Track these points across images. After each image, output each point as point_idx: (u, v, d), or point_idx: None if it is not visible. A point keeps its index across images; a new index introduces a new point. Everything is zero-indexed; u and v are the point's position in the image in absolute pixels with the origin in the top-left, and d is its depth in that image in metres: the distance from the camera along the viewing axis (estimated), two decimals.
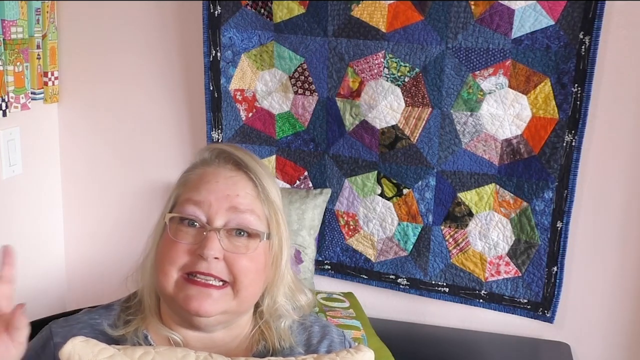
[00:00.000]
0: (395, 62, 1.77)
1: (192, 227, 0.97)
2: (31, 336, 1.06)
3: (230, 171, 1.01)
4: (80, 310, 1.11)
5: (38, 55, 1.98)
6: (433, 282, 1.89)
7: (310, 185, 1.95)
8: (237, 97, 1.93)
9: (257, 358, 0.95)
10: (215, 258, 0.95)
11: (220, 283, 0.96)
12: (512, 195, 1.77)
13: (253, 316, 1.06)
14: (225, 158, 1.03)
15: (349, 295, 1.85)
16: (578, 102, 1.66)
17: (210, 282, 0.95)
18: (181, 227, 0.97)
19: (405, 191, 1.85)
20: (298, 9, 1.81)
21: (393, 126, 1.82)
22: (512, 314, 1.85)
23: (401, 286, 1.92)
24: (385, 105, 1.80)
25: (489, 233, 1.81)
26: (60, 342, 0.97)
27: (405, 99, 1.79)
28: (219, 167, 1.02)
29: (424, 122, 1.79)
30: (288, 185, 1.97)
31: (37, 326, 1.44)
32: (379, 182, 1.87)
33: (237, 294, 0.97)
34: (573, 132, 1.68)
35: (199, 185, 0.99)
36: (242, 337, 1.04)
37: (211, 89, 1.92)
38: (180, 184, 1.03)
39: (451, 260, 1.86)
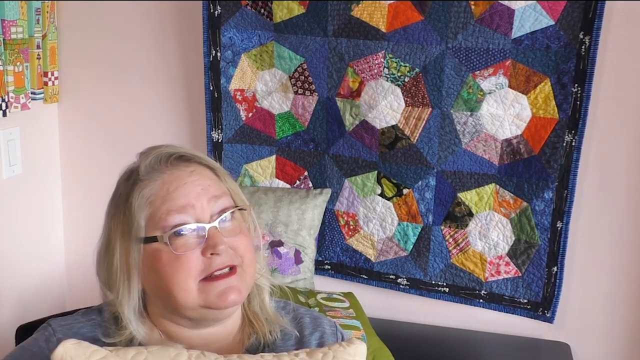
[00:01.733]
0: (395, 62, 1.77)
1: (186, 235, 0.96)
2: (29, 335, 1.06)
3: (186, 168, 1.00)
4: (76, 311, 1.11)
5: (38, 55, 1.98)
6: (433, 282, 1.89)
7: (310, 185, 1.95)
8: (237, 97, 1.93)
9: (250, 354, 0.95)
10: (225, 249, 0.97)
11: (229, 269, 0.97)
12: (512, 195, 1.77)
13: (241, 309, 1.06)
14: (175, 159, 1.01)
15: (349, 295, 1.85)
16: (578, 102, 1.66)
17: (226, 272, 0.97)
18: (175, 240, 0.95)
19: (405, 191, 1.85)
20: (298, 9, 1.81)
21: (393, 126, 1.82)
22: (512, 314, 1.85)
23: (401, 286, 1.92)
24: (385, 105, 1.80)
25: (489, 233, 1.81)
26: (62, 339, 0.97)
27: (405, 99, 1.79)
28: (174, 170, 1.00)
29: (424, 122, 1.79)
30: (288, 185, 1.97)
31: (36, 326, 1.44)
32: (379, 182, 1.87)
33: (246, 270, 0.99)
34: (573, 132, 1.68)
35: (170, 194, 0.97)
36: (234, 331, 1.04)
37: (211, 89, 1.92)
38: (143, 204, 0.98)
39: (451, 260, 1.86)
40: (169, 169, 1.00)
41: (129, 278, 0.98)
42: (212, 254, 0.95)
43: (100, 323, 1.02)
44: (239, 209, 1.01)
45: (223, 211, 0.99)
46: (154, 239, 0.96)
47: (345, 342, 0.95)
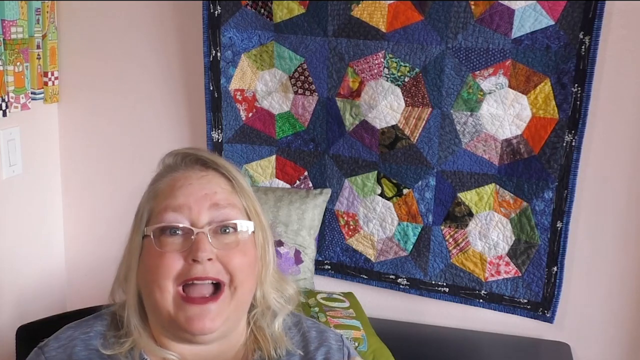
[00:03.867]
0: (395, 62, 1.77)
1: (176, 235, 0.94)
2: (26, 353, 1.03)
3: (200, 171, 0.99)
4: (67, 317, 1.09)
5: (38, 55, 1.98)
6: (433, 282, 1.89)
7: (310, 185, 1.95)
8: (237, 97, 1.93)
9: None
10: (209, 259, 0.93)
11: (212, 290, 0.94)
12: (512, 195, 1.77)
13: (247, 324, 1.03)
14: (191, 160, 1.01)
15: (349, 295, 1.85)
16: (578, 102, 1.66)
17: (207, 296, 0.93)
18: (164, 237, 0.94)
19: (405, 191, 1.85)
20: (298, 9, 1.81)
21: (393, 126, 1.82)
22: (512, 314, 1.85)
23: (401, 286, 1.92)
24: (385, 105, 1.80)
25: (489, 233, 1.81)
26: None
27: (405, 99, 1.79)
28: (188, 170, 1.00)
29: (424, 122, 1.79)
30: (288, 185, 1.97)
31: (37, 326, 1.44)
32: (379, 182, 1.87)
33: (234, 292, 0.95)
34: (573, 132, 1.68)
35: (173, 192, 0.96)
36: (238, 347, 1.02)
37: (211, 89, 1.92)
38: (150, 197, 0.99)
39: (451, 260, 1.86)
40: (182, 168, 1.00)
41: (129, 269, 0.99)
42: (193, 260, 0.92)
43: (100, 333, 0.99)
44: (246, 228, 0.97)
45: (224, 221, 0.96)
46: (144, 230, 0.97)
47: None
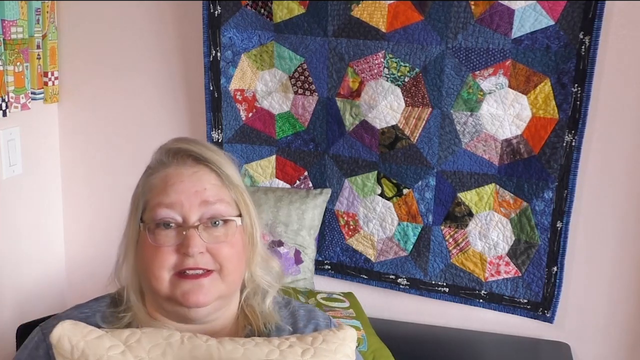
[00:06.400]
0: (395, 62, 1.77)
1: (169, 229, 1.00)
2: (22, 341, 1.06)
3: (191, 167, 1.04)
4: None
5: (38, 55, 1.98)
6: (433, 282, 1.89)
7: (310, 185, 1.95)
8: (237, 97, 1.93)
9: (241, 338, 0.97)
10: (200, 253, 0.99)
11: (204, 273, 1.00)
12: (512, 195, 1.77)
13: (238, 304, 1.09)
14: (182, 156, 1.05)
15: (349, 295, 1.85)
16: (578, 102, 1.66)
17: (199, 273, 1.00)
18: (158, 230, 1.00)
19: (405, 191, 1.85)
20: (298, 9, 1.81)
21: (393, 126, 1.82)
22: (512, 314, 1.85)
23: (401, 286, 1.92)
24: (385, 105, 1.80)
25: (489, 233, 1.81)
26: None
27: (405, 99, 1.79)
28: (179, 167, 1.04)
29: (424, 122, 1.79)
30: (288, 185, 1.97)
31: (37, 325, 1.44)
32: (379, 182, 1.87)
33: (224, 279, 1.01)
34: (573, 132, 1.68)
35: (166, 188, 1.02)
36: (229, 325, 1.07)
37: (211, 89, 1.92)
38: (145, 190, 1.05)
39: (451, 260, 1.86)
40: (174, 164, 1.05)
41: (126, 253, 1.05)
42: (184, 253, 0.98)
43: (99, 311, 1.05)
44: (234, 222, 1.03)
45: (213, 217, 1.01)
46: (140, 225, 1.02)
47: (334, 328, 0.99)
